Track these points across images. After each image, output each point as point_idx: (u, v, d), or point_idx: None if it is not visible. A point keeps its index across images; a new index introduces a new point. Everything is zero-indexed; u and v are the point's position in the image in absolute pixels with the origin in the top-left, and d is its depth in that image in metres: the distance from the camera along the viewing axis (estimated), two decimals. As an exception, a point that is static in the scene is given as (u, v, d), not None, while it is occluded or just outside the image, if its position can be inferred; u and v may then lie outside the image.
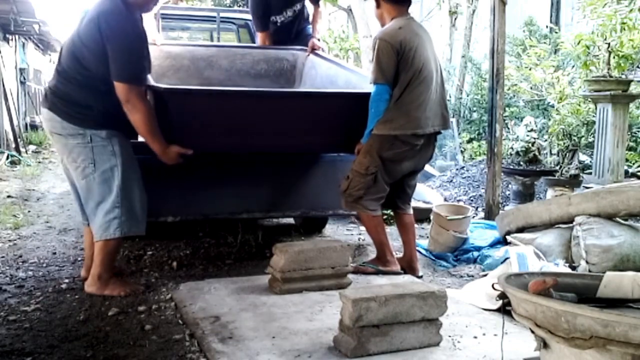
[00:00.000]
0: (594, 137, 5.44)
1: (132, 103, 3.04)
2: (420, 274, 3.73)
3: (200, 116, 3.31)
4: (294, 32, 5.06)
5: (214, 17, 6.24)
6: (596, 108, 5.31)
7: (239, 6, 13.90)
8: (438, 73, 3.60)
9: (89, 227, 3.34)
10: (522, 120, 6.41)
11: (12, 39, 12.87)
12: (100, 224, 3.15)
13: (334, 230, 4.99)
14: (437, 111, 3.54)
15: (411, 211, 3.85)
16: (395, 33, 3.44)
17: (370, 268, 3.63)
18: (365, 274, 3.58)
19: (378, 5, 3.60)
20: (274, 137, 3.54)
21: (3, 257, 3.96)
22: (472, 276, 3.71)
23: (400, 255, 3.81)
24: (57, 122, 3.14)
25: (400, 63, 3.41)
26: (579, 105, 6.24)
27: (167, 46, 4.65)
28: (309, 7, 5.15)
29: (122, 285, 3.25)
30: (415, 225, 5.24)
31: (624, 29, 5.52)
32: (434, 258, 4.10)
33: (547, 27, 9.59)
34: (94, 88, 3.10)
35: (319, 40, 4.91)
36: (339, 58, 9.83)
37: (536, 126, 6.02)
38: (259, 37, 5.06)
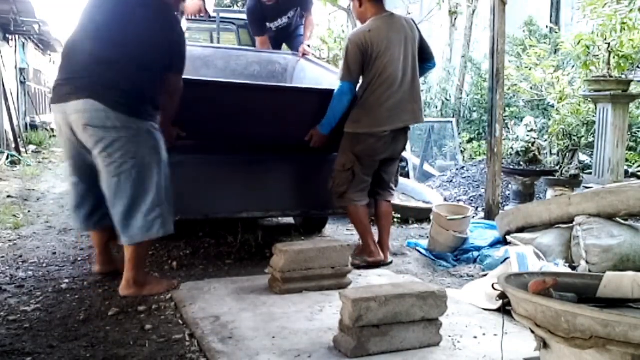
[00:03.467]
0: (594, 137, 5.44)
1: (179, 91, 3.24)
2: (389, 260, 3.92)
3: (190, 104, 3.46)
4: (290, 32, 5.36)
5: (214, 17, 6.25)
6: (596, 108, 5.32)
7: (239, 7, 13.89)
8: (408, 70, 3.75)
9: (96, 232, 3.37)
10: (522, 120, 6.40)
11: (12, 39, 12.86)
12: (140, 225, 3.02)
13: (334, 230, 5.00)
14: (406, 107, 3.75)
15: (390, 198, 4.03)
16: (362, 35, 3.67)
17: (357, 261, 3.72)
18: (357, 268, 3.63)
19: (360, 5, 3.80)
20: (251, 128, 3.70)
21: (3, 257, 3.95)
22: (472, 276, 3.71)
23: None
24: (101, 113, 2.95)
25: (364, 64, 3.66)
26: (579, 105, 6.25)
27: None
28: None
29: (159, 284, 3.25)
30: (415, 225, 5.30)
31: (624, 29, 5.52)
32: (434, 258, 4.10)
33: (547, 27, 9.59)
34: (152, 80, 3.12)
35: (309, 46, 5.16)
36: (338, 57, 9.84)
37: (536, 126, 6.02)
38: (258, 41, 5.33)
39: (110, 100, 2.96)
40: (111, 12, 3.16)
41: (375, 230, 3.97)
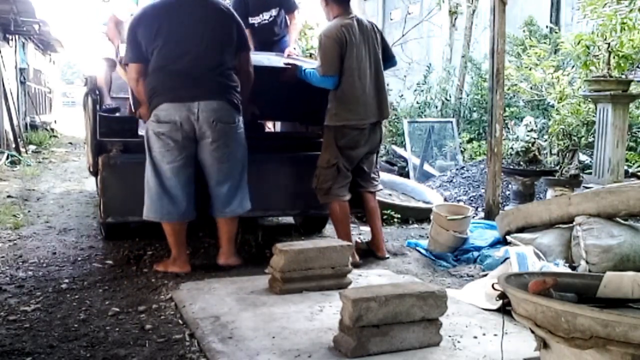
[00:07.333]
0: (594, 137, 5.44)
1: (252, 67, 3.81)
2: (387, 255, 4.04)
3: None
4: (274, 37, 5.34)
5: None
6: (596, 108, 5.31)
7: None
8: (372, 69, 3.93)
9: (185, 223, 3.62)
10: (522, 120, 6.40)
11: (12, 39, 12.86)
12: (241, 199, 3.65)
13: (334, 230, 4.98)
14: (372, 103, 3.93)
15: (374, 189, 4.14)
16: (337, 30, 3.84)
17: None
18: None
19: (326, 3, 3.96)
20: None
21: (3, 257, 3.95)
22: (472, 276, 3.71)
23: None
24: (227, 111, 3.52)
25: (342, 58, 3.81)
26: (579, 105, 6.24)
27: None
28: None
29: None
30: (415, 225, 5.30)
31: (624, 29, 5.51)
32: (434, 258, 4.10)
33: (547, 27, 9.59)
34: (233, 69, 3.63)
35: (295, 49, 5.11)
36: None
37: (536, 126, 6.01)
38: None
39: (234, 104, 3.54)
40: (188, 24, 3.48)
41: (368, 229, 3.99)
